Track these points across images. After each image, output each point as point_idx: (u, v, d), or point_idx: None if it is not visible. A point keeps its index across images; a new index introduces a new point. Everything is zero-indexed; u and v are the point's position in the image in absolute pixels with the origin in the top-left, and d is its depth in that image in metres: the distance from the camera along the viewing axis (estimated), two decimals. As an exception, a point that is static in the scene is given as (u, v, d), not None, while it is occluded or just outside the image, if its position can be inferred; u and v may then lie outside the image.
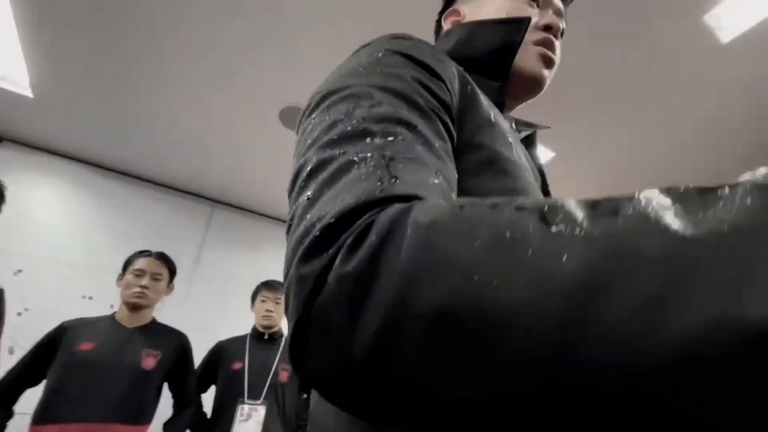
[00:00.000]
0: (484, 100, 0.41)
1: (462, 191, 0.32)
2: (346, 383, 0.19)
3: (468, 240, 0.17)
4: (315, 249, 0.21)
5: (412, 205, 0.20)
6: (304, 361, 0.20)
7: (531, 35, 0.50)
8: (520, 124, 0.55)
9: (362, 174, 0.23)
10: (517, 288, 0.15)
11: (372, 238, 0.19)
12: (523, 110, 0.57)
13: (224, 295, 2.64)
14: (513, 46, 0.47)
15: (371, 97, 0.30)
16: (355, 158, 0.25)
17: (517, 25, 0.48)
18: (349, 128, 0.27)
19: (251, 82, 1.86)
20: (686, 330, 0.12)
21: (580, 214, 0.16)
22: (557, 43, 0.52)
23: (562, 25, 0.54)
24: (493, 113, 0.40)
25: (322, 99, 0.32)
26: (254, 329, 1.83)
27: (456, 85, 0.37)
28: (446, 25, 0.57)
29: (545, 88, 0.53)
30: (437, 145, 0.29)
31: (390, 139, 0.26)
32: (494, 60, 0.48)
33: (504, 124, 0.42)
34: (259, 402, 1.67)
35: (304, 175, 0.26)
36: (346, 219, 0.21)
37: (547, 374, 0.14)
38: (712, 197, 0.14)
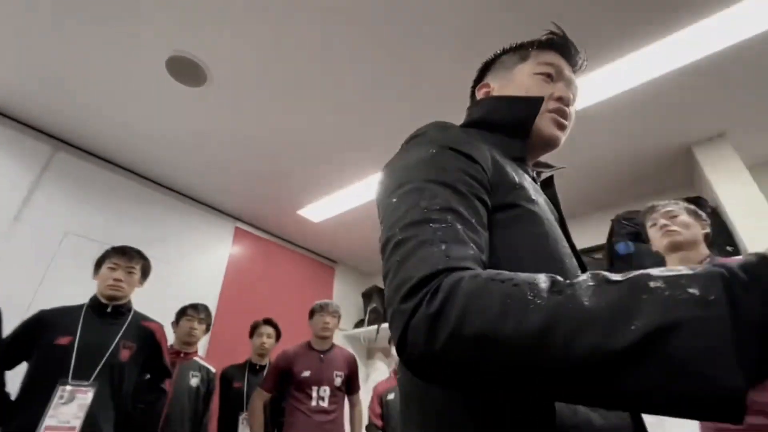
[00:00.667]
0: (510, 169, 0.55)
1: (500, 239, 0.48)
2: (429, 364, 0.36)
3: (487, 302, 0.34)
4: (409, 295, 0.37)
5: (462, 277, 0.37)
6: (404, 353, 0.36)
7: (547, 105, 0.65)
8: (540, 166, 0.71)
9: (430, 252, 0.40)
10: (511, 326, 0.32)
11: (440, 295, 0.36)
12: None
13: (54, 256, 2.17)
14: (531, 117, 0.63)
15: (430, 191, 0.46)
16: (425, 239, 0.41)
17: (534, 102, 0.63)
18: (418, 216, 0.43)
19: (133, 29, 1.59)
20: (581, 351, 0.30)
21: (544, 291, 0.33)
22: (569, 109, 0.67)
23: (572, 94, 0.68)
24: (518, 176, 0.55)
25: (399, 187, 0.48)
26: (94, 299, 1.57)
27: (489, 164, 0.52)
28: (479, 95, 0.73)
29: (560, 144, 0.67)
30: (474, 221, 0.45)
31: (443, 225, 0.42)
32: (517, 125, 0.63)
33: (526, 180, 0.57)
34: (86, 383, 1.44)
35: (392, 245, 0.43)
36: (425, 280, 0.38)
37: (529, 364, 0.32)
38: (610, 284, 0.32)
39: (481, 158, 0.51)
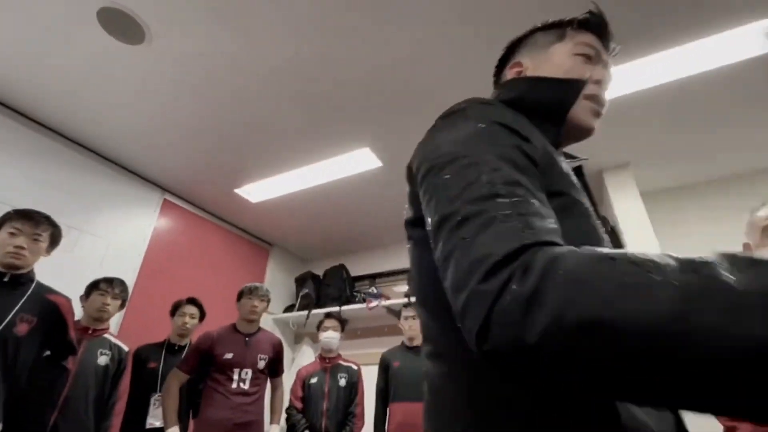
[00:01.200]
0: (555, 153, 0.50)
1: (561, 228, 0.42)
2: (520, 358, 0.29)
3: (598, 282, 0.28)
4: (491, 273, 0.31)
5: (559, 252, 0.31)
6: (486, 342, 0.30)
7: (586, 89, 0.60)
8: (568, 157, 0.65)
9: (510, 227, 0.34)
10: (634, 308, 0.26)
11: (535, 272, 0.30)
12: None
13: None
14: (569, 102, 0.58)
15: (490, 164, 0.40)
16: (497, 214, 0.35)
17: (576, 85, 0.58)
18: (484, 190, 0.38)
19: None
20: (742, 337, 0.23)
21: (673, 270, 0.27)
22: (606, 94, 0.62)
23: (610, 77, 0.64)
24: (563, 164, 0.50)
25: (451, 161, 0.43)
26: (-12, 266, 1.40)
27: (538, 144, 0.47)
28: (509, 74, 0.66)
29: (593, 133, 0.62)
30: (539, 196, 0.40)
31: (515, 199, 0.37)
32: (554, 109, 0.58)
33: (567, 168, 0.52)
34: (-29, 358, 1.30)
35: (454, 222, 0.37)
36: (511, 256, 0.32)
37: (656, 355, 0.25)
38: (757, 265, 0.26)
39: (531, 137, 0.47)
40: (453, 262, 0.35)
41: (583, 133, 0.61)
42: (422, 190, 0.46)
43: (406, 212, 0.57)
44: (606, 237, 0.49)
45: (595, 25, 0.64)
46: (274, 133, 2.23)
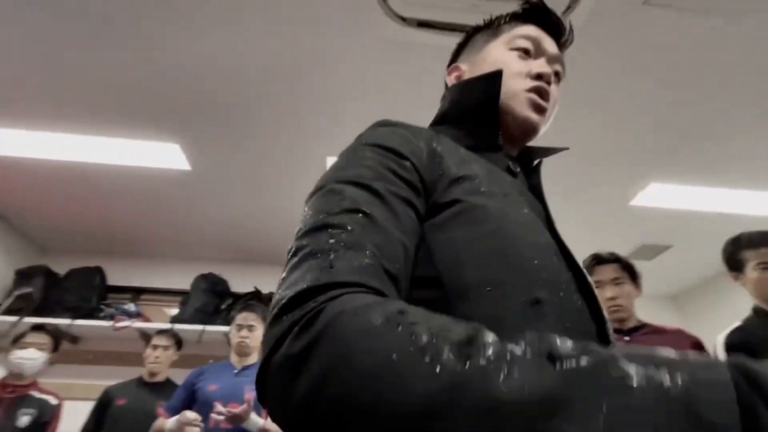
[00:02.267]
0: (456, 160, 0.46)
1: (439, 243, 0.39)
2: (285, 418, 0.28)
3: (365, 356, 0.25)
4: (278, 318, 0.29)
5: (345, 308, 0.27)
6: (263, 394, 0.30)
7: (523, 83, 0.55)
8: (536, 153, 0.60)
9: (313, 264, 0.32)
10: (386, 397, 0.23)
11: (314, 329, 0.27)
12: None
13: None
14: (492, 96, 0.53)
15: (339, 193, 0.38)
16: (312, 249, 0.33)
17: (492, 78, 0.53)
18: (317, 223, 0.35)
19: None
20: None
21: (448, 350, 0.23)
22: (551, 87, 0.56)
23: (555, 69, 0.58)
24: (467, 167, 0.46)
25: (313, 194, 0.41)
26: None
27: (424, 157, 0.44)
28: (449, 81, 0.63)
29: (541, 129, 0.57)
30: (387, 224, 0.36)
31: (339, 231, 0.34)
32: (480, 109, 0.54)
33: (486, 170, 0.47)
34: None
35: (287, 259, 0.35)
36: (297, 299, 0.29)
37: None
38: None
39: (411, 152, 0.43)
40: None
41: (523, 127, 0.55)
42: None
43: None
44: (534, 232, 0.44)
45: (535, 15, 0.59)
46: (55, 60, 1.70)
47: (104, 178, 2.24)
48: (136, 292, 2.99)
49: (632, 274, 1.46)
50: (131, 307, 2.68)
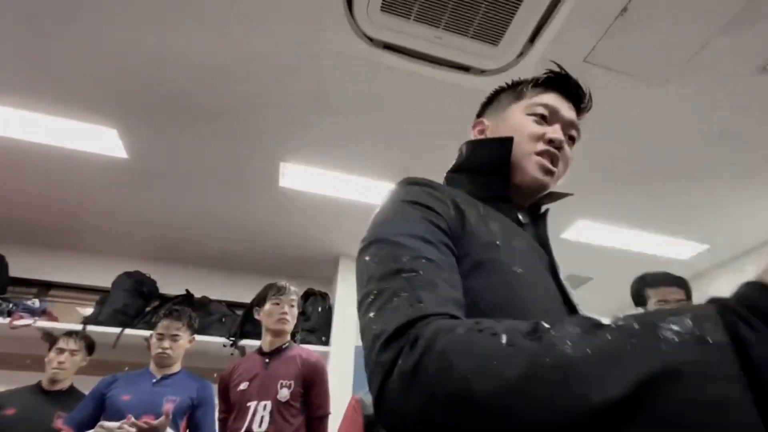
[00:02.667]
0: (473, 216, 0.53)
1: (464, 288, 0.45)
2: (406, 428, 0.34)
3: (463, 357, 0.31)
4: (385, 347, 0.36)
5: (440, 327, 0.34)
6: (380, 412, 0.35)
7: (534, 146, 0.60)
8: (545, 199, 0.66)
9: (401, 302, 0.38)
10: (485, 384, 0.29)
11: (419, 348, 0.33)
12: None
13: None
14: (503, 158, 0.60)
15: (400, 244, 0.45)
16: (395, 290, 0.40)
17: (504, 143, 0.60)
18: (390, 269, 0.42)
19: None
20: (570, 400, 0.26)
21: (521, 337, 0.31)
22: (564, 150, 0.62)
23: (570, 134, 0.64)
24: (485, 223, 0.53)
25: (371, 244, 0.47)
26: None
27: (452, 216, 0.51)
28: (473, 133, 0.69)
29: (551, 187, 0.63)
30: (445, 265, 0.44)
31: (413, 274, 0.41)
32: (493, 168, 0.61)
33: (499, 223, 0.55)
34: None
35: (368, 300, 0.42)
36: (399, 331, 0.36)
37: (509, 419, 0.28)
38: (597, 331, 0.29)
39: (443, 211, 0.51)
40: (365, 338, 0.40)
41: (532, 186, 0.61)
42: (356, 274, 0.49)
43: None
44: (538, 281, 0.52)
45: (557, 83, 0.65)
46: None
47: (21, 155, 2.00)
48: (44, 287, 2.67)
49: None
50: (35, 303, 2.37)
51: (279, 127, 1.81)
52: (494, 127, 0.67)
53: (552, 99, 0.64)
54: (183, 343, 1.75)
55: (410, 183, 0.56)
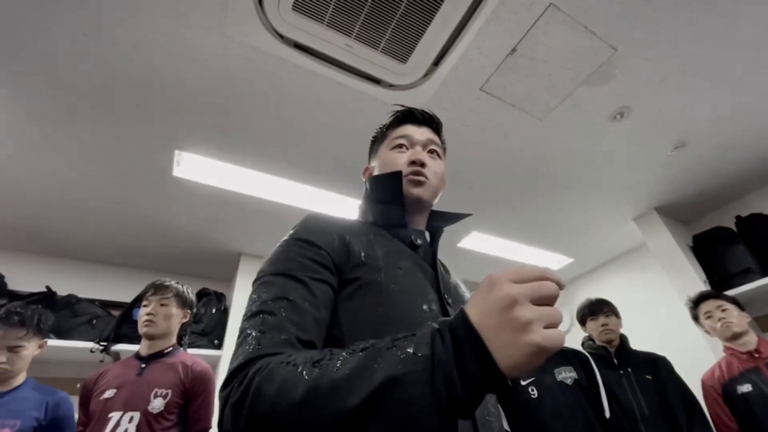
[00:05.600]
0: (361, 246, 0.62)
1: (344, 311, 0.55)
2: None
3: (270, 386, 0.40)
4: (224, 385, 0.45)
5: (261, 366, 0.44)
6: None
7: (407, 170, 0.72)
8: (447, 219, 0.78)
9: (248, 343, 0.48)
10: (284, 403, 0.39)
11: (243, 385, 0.43)
12: None
13: None
14: (397, 188, 0.69)
15: (269, 284, 0.54)
16: (249, 332, 0.49)
17: (394, 177, 0.70)
18: (255, 309, 0.52)
19: None
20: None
21: (310, 365, 0.40)
22: (429, 164, 0.74)
23: (431, 149, 0.76)
24: (372, 250, 0.62)
25: (256, 281, 0.58)
26: None
27: (335, 245, 0.60)
28: (364, 177, 0.82)
29: (428, 196, 0.74)
30: (305, 304, 0.52)
31: (268, 316, 0.50)
32: (390, 198, 0.70)
33: (384, 250, 0.63)
34: None
35: (237, 339, 0.51)
36: (237, 371, 0.45)
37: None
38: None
39: (324, 243, 0.59)
40: None
41: (413, 202, 0.72)
42: None
43: None
44: (416, 298, 0.59)
45: (404, 117, 0.80)
46: None
47: None
48: None
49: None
50: None
51: (176, 112, 1.65)
52: (376, 168, 0.80)
53: (405, 130, 0.78)
54: (27, 353, 1.45)
55: (305, 220, 0.65)
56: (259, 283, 0.56)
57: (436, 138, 0.80)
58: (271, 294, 0.52)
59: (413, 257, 0.66)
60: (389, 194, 0.70)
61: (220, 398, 0.44)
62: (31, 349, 1.47)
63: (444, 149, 0.84)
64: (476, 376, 0.33)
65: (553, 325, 0.34)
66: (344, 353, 0.40)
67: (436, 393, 0.33)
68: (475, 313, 0.35)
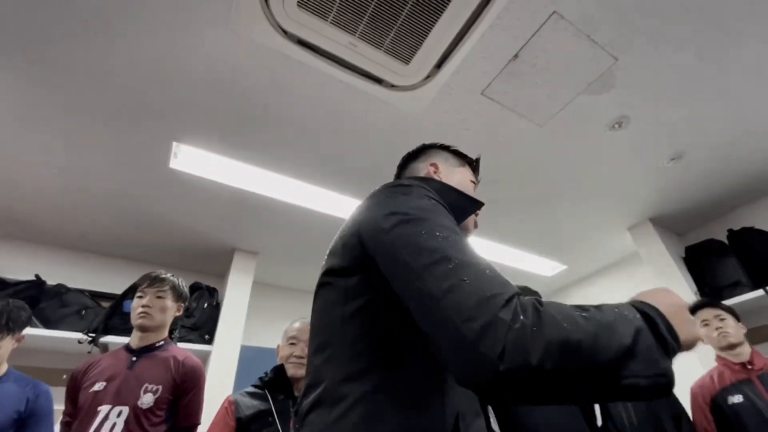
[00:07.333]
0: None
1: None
2: (526, 376, 0.40)
3: (559, 319, 0.44)
4: (503, 306, 0.44)
5: (534, 301, 0.46)
6: (502, 362, 0.40)
7: (473, 217, 0.83)
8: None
9: (497, 277, 0.48)
10: (573, 331, 0.43)
11: (531, 310, 0.44)
12: None
13: None
14: (469, 211, 0.75)
15: (454, 231, 0.55)
16: (483, 266, 0.49)
17: (478, 203, 0.77)
18: (468, 251, 0.52)
19: None
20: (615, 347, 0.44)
21: (581, 311, 0.46)
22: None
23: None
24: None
25: (423, 219, 0.55)
26: None
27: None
28: (424, 168, 0.86)
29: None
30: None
31: (476, 259, 0.51)
32: (457, 213, 0.68)
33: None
34: None
35: (455, 263, 0.49)
36: (513, 297, 0.45)
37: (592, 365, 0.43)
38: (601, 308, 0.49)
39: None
40: (457, 296, 0.45)
41: (471, 231, 0.83)
42: (392, 236, 0.54)
43: (330, 261, 0.63)
44: None
45: (476, 168, 0.93)
46: None
47: None
48: None
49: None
50: None
51: (176, 104, 1.64)
52: (446, 175, 0.85)
53: (475, 178, 0.92)
54: (3, 351, 1.45)
55: (430, 186, 0.67)
56: (436, 224, 0.55)
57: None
58: (464, 243, 0.53)
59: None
60: (460, 210, 0.73)
61: (498, 319, 0.42)
62: (5, 347, 1.46)
63: None
64: (672, 341, 0.47)
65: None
66: (588, 307, 0.47)
67: (661, 341, 0.45)
68: (662, 306, 0.50)
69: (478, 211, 0.79)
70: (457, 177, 0.85)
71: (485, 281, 0.46)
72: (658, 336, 0.46)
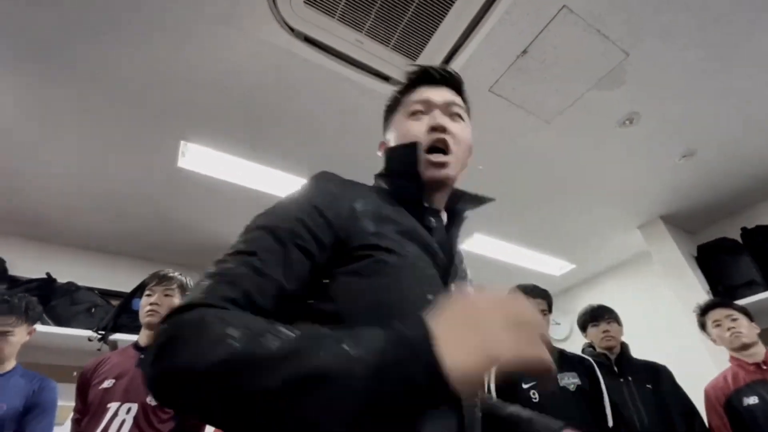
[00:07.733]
0: (370, 221, 0.54)
1: (344, 286, 0.50)
2: (158, 385, 0.39)
3: (197, 340, 0.38)
4: (162, 320, 0.41)
5: (196, 315, 0.40)
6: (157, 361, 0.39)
7: (426, 139, 0.63)
8: (468, 201, 0.68)
9: (200, 287, 0.44)
10: (203, 359, 0.36)
11: (170, 328, 0.40)
12: None
13: None
14: (413, 163, 0.61)
15: (252, 234, 0.50)
16: (210, 274, 0.46)
17: (410, 149, 0.62)
18: (225, 255, 0.49)
19: None
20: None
21: (238, 331, 0.37)
22: (451, 129, 0.64)
23: (451, 111, 0.65)
24: (383, 228, 0.54)
25: (246, 227, 0.54)
26: None
27: (343, 217, 0.53)
28: (379, 152, 0.72)
29: (453, 172, 0.64)
30: (270, 270, 0.46)
31: (231, 266, 0.46)
32: (405, 173, 0.61)
33: (392, 228, 0.55)
34: None
35: None
36: (177, 311, 0.41)
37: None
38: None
39: (331, 212, 0.53)
40: None
41: (434, 185, 0.64)
42: None
43: None
44: (422, 284, 0.53)
45: (422, 79, 0.68)
46: None
47: None
48: None
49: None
50: None
51: (184, 102, 1.65)
52: (392, 141, 0.69)
53: (422, 93, 0.67)
54: (16, 339, 1.49)
55: (317, 178, 0.58)
56: (246, 230, 0.52)
57: (457, 98, 0.69)
58: (244, 245, 0.48)
59: (427, 238, 0.58)
60: (404, 169, 0.62)
61: (166, 324, 0.41)
62: (19, 335, 1.50)
63: (468, 111, 0.73)
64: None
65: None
66: (287, 330, 0.36)
67: (361, 402, 0.32)
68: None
69: (429, 140, 0.63)
70: (395, 131, 0.68)
71: (196, 285, 0.47)
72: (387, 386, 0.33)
